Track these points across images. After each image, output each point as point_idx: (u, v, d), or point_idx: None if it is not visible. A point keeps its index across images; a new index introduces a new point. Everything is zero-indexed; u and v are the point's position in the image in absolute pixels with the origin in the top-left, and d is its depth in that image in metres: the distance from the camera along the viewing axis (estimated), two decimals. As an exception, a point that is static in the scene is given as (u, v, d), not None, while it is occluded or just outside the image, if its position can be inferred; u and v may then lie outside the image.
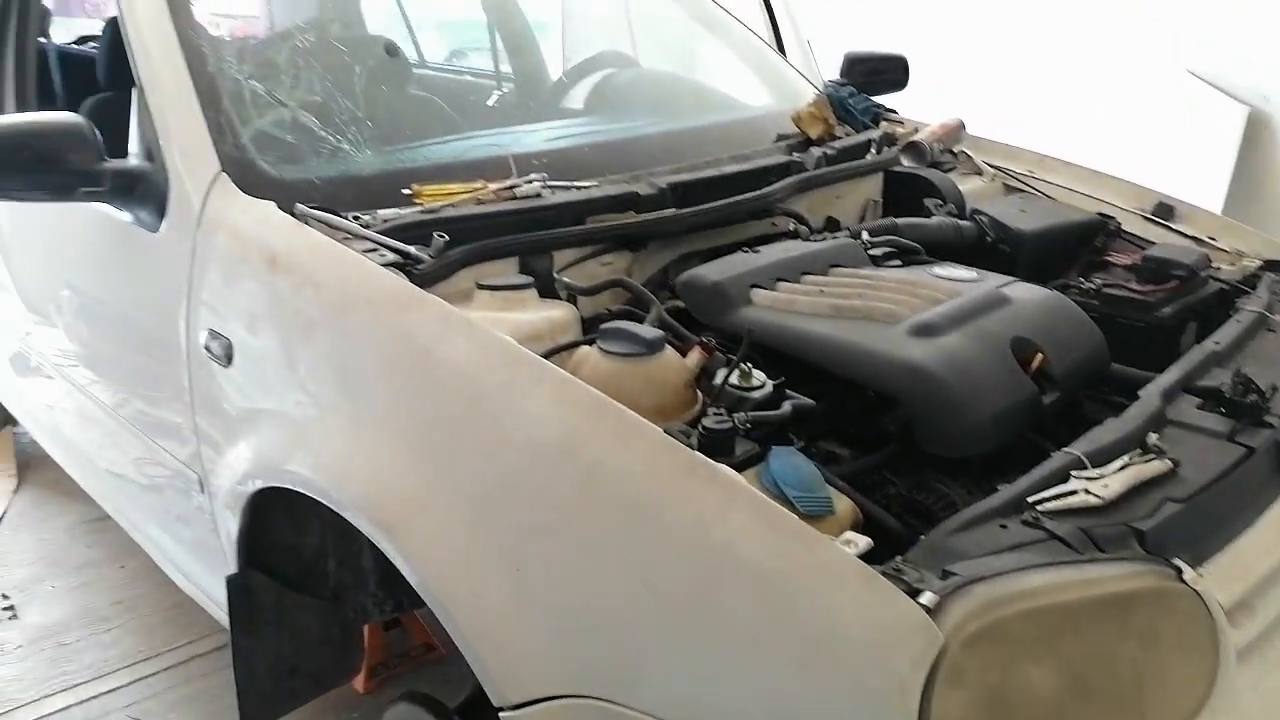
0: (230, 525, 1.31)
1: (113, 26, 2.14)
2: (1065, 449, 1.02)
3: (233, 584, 1.29)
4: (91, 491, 2.02)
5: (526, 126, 1.88)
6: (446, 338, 1.05)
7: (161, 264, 1.39)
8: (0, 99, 2.01)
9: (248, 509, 1.26)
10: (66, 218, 1.64)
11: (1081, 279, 1.57)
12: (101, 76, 2.12)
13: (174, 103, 1.41)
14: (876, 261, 1.50)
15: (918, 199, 1.80)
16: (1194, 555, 0.90)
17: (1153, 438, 1.03)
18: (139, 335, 1.54)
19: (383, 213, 1.31)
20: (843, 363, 1.18)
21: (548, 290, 1.32)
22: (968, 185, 1.90)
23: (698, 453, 0.92)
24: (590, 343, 1.16)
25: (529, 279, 1.28)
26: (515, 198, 1.39)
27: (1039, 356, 1.21)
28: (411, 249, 1.24)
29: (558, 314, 1.24)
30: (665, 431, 0.94)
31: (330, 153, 1.45)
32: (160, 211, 1.39)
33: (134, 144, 1.47)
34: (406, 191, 1.37)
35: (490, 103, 2.37)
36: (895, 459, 1.17)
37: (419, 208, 1.34)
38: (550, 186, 1.43)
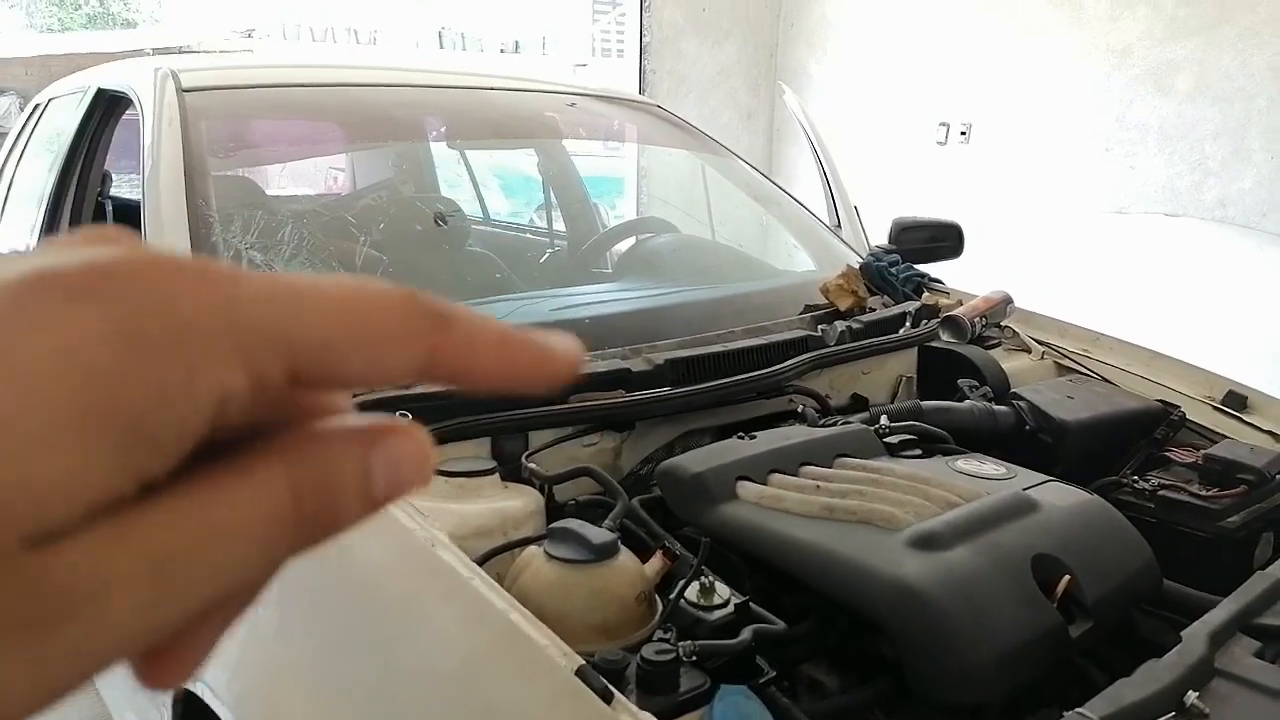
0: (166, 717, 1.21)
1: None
2: (1080, 710, 0.83)
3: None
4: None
5: (535, 294, 1.83)
6: (365, 535, 0.95)
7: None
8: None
9: (179, 706, 1.16)
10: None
11: (1135, 477, 1.39)
12: (145, 235, 2.21)
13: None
14: (893, 451, 1.35)
15: (954, 378, 1.66)
16: None
17: (1192, 697, 0.85)
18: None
19: (355, 386, 1.25)
20: (822, 577, 1.03)
21: (518, 476, 1.22)
22: (1013, 363, 1.75)
23: (620, 699, 0.78)
24: (542, 540, 1.05)
25: (492, 464, 1.19)
26: (495, 374, 1.32)
27: (1066, 579, 1.04)
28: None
29: (514, 504, 1.14)
30: (592, 664, 0.81)
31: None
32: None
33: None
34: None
35: (541, 261, 2.37)
36: (890, 694, 0.99)
37: (394, 382, 1.28)
38: (535, 362, 1.35)
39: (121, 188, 2.65)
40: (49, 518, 0.17)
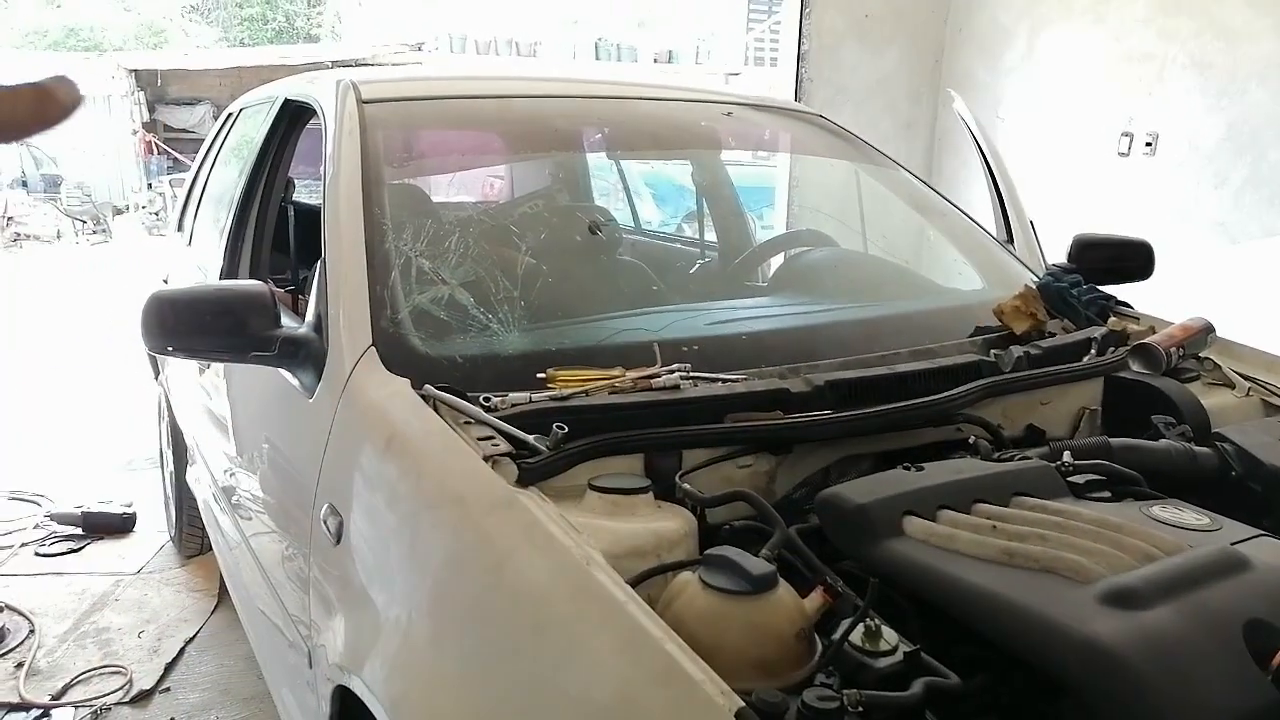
0: (324, 708, 1.25)
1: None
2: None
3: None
4: (249, 636, 2.07)
5: (690, 306, 1.80)
6: (523, 551, 0.94)
7: (309, 430, 1.41)
8: (238, 257, 2.23)
9: (336, 698, 1.19)
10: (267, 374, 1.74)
11: (1364, 537, 1.22)
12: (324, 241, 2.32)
13: (346, 275, 1.47)
14: (1078, 492, 1.24)
15: (1146, 414, 1.51)
16: None
17: None
18: (291, 498, 1.56)
19: (513, 396, 1.26)
20: (1002, 628, 0.94)
21: (670, 495, 1.19)
22: (1213, 400, 1.58)
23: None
24: (697, 565, 1.01)
25: (646, 482, 1.16)
26: (652, 388, 1.29)
27: (1285, 650, 0.91)
28: (530, 438, 1.17)
29: (669, 526, 1.10)
30: (749, 704, 0.77)
31: (478, 331, 1.44)
32: (318, 378, 1.43)
33: (310, 312, 1.54)
34: (541, 375, 1.31)
35: (692, 272, 2.35)
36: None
37: (550, 393, 1.27)
38: (692, 378, 1.32)
39: (299, 193, 2.81)
40: None
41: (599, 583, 0.88)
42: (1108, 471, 1.29)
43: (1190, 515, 1.14)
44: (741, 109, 2.34)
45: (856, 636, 0.91)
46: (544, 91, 2.17)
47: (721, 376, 1.33)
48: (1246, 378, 1.66)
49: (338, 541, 1.23)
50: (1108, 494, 1.24)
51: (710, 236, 2.72)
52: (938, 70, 5.46)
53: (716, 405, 1.28)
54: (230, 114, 3.03)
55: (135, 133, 15.49)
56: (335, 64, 13.85)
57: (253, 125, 2.59)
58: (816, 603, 0.98)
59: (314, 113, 2.09)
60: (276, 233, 2.34)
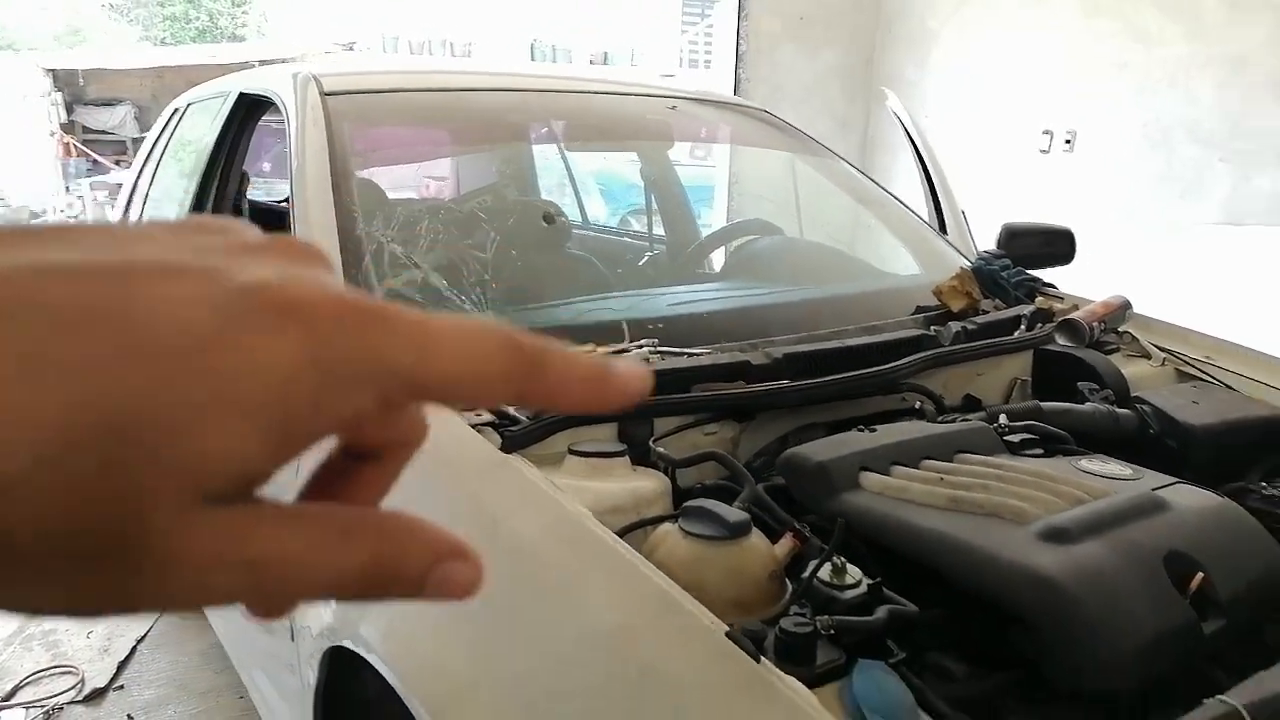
0: (309, 678, 1.29)
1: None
2: (1221, 697, 0.84)
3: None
4: (212, 620, 2.08)
5: (650, 290, 1.88)
6: (518, 509, 1.01)
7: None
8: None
9: (324, 664, 1.24)
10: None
11: (1264, 484, 1.36)
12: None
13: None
14: (1013, 449, 1.36)
15: (1071, 381, 1.65)
16: None
17: (1341, 694, 0.84)
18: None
19: (490, 371, 1.32)
20: (954, 565, 1.04)
21: (643, 459, 1.26)
22: (1132, 369, 1.72)
23: (767, 663, 0.82)
24: (675, 519, 1.09)
25: (622, 446, 1.24)
26: (622, 362, 1.37)
27: (1199, 576, 1.03)
28: (510, 409, 1.23)
29: (646, 485, 1.18)
30: (738, 630, 0.85)
31: (453, 313, 1.50)
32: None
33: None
34: (516, 352, 1.38)
35: (640, 264, 2.43)
36: (1024, 685, 1.00)
37: (525, 368, 1.34)
38: (659, 352, 1.40)
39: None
40: (213, 482, 0.22)
41: (592, 532, 0.95)
42: (1039, 431, 1.41)
43: (1114, 467, 1.26)
44: (686, 103, 2.43)
45: (825, 574, 1.00)
46: (504, 85, 2.22)
47: (687, 351, 1.42)
48: (1161, 349, 1.80)
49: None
50: (1040, 451, 1.36)
51: (658, 230, 2.81)
52: (870, 70, 5.65)
53: (684, 376, 1.36)
54: (178, 110, 3.00)
55: (53, 134, 14.98)
56: (263, 63, 13.59)
57: (203, 121, 2.59)
58: (786, 547, 1.06)
59: (268, 106, 2.11)
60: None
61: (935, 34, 5.32)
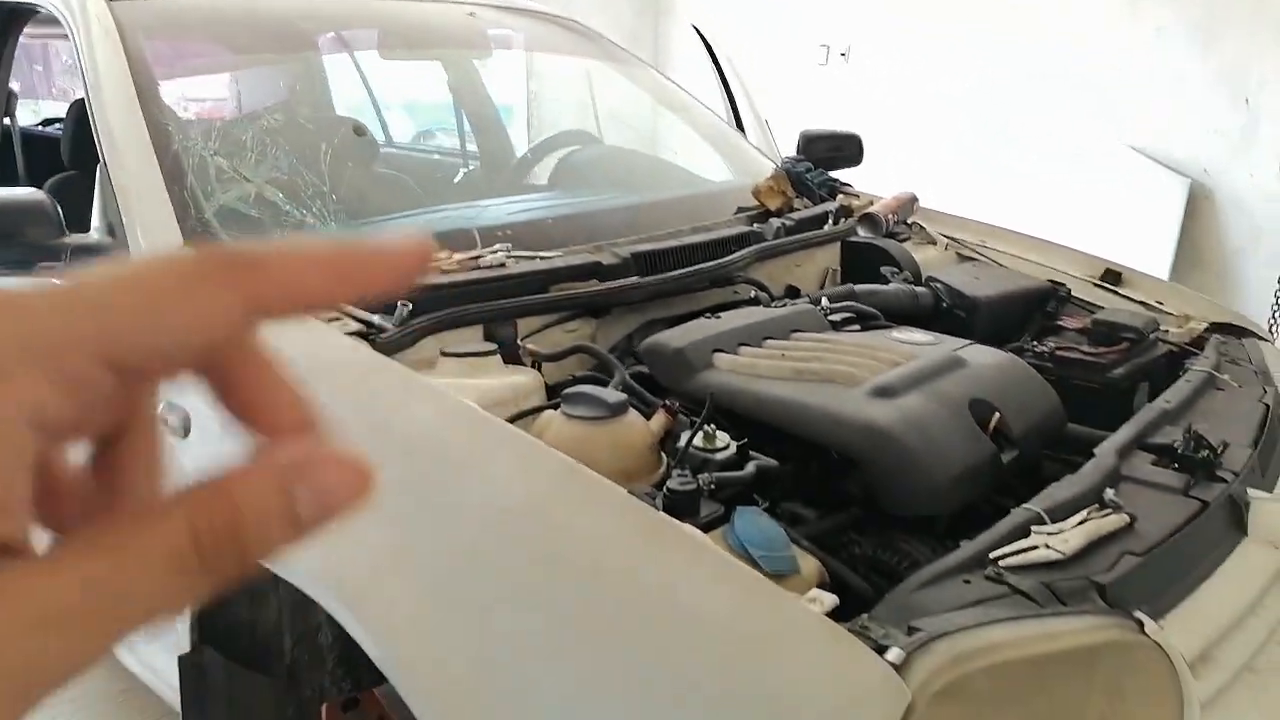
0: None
1: (78, 107, 2.16)
2: (1025, 505, 1.03)
3: (185, 663, 1.25)
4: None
5: (490, 201, 1.91)
6: (409, 403, 1.05)
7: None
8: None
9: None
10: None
11: (1035, 342, 1.61)
12: (66, 156, 2.14)
13: (137, 179, 1.42)
14: (836, 326, 1.53)
15: (875, 267, 1.85)
16: (1154, 608, 0.91)
17: (1109, 493, 1.05)
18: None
19: (347, 283, 1.32)
20: (804, 424, 1.19)
21: (512, 358, 1.32)
22: (922, 255, 1.95)
23: (663, 514, 0.92)
24: (554, 407, 1.17)
25: (493, 346, 1.29)
26: (479, 268, 1.41)
27: (996, 417, 1.23)
28: (375, 318, 1.25)
29: (522, 379, 1.25)
30: (630, 493, 0.95)
31: (295, 227, 1.47)
32: (121, 285, 1.39)
33: (96, 219, 1.47)
34: (370, 263, 1.38)
35: (456, 180, 2.42)
36: (859, 519, 1.17)
37: (382, 278, 1.35)
38: (514, 256, 1.45)
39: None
40: None
41: (485, 417, 1.01)
42: (855, 311, 1.59)
43: (919, 335, 1.46)
44: (483, 10, 2.40)
45: (698, 441, 1.12)
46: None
47: (540, 254, 1.47)
48: (945, 235, 2.05)
49: (186, 434, 1.25)
50: (858, 327, 1.54)
51: (472, 147, 2.78)
52: (657, -16, 5.71)
53: (541, 278, 1.42)
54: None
55: None
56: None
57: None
58: (660, 421, 1.17)
59: (33, 15, 1.91)
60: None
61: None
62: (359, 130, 2.06)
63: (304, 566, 1.05)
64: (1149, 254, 3.48)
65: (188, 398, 1.26)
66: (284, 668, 1.33)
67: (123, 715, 2.04)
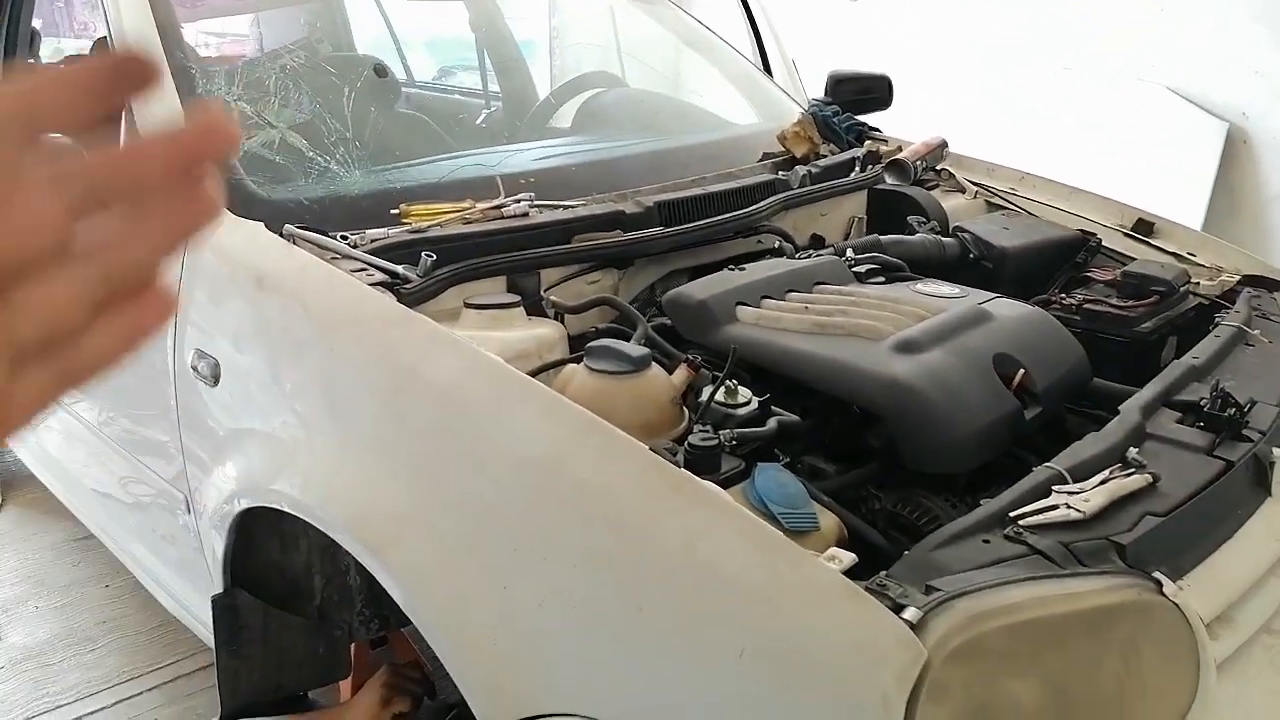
0: (216, 544, 1.31)
1: (101, 46, 2.15)
2: (1047, 464, 1.03)
3: (218, 603, 1.29)
4: (76, 510, 2.01)
5: (514, 146, 1.89)
6: (433, 356, 1.05)
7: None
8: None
9: (234, 528, 1.26)
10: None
11: (1063, 295, 1.59)
12: None
13: (160, 123, 1.42)
14: (861, 278, 1.51)
15: (901, 216, 1.82)
16: (1174, 568, 0.91)
17: (1132, 452, 1.04)
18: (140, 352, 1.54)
19: (371, 232, 1.32)
20: (826, 379, 1.19)
21: (535, 309, 1.32)
22: (950, 203, 1.92)
23: (684, 470, 0.93)
24: (577, 360, 1.17)
25: (516, 297, 1.29)
26: (502, 217, 1.40)
27: (1021, 372, 1.22)
28: (399, 268, 1.25)
29: (545, 332, 1.25)
30: (651, 449, 0.95)
31: (319, 173, 1.46)
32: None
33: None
34: (394, 211, 1.38)
35: (479, 122, 2.39)
36: (880, 474, 1.17)
37: (406, 227, 1.35)
38: (537, 206, 1.44)
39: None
40: None
41: (509, 370, 1.02)
42: (880, 262, 1.57)
43: (945, 288, 1.44)
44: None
45: (720, 396, 1.12)
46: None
47: (563, 204, 1.46)
48: (974, 183, 2.01)
49: (215, 383, 1.27)
50: (883, 279, 1.53)
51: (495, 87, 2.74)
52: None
53: (564, 228, 1.41)
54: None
55: None
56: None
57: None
58: (682, 375, 1.17)
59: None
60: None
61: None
62: (380, 71, 2.04)
63: (331, 512, 1.07)
64: (1183, 200, 3.40)
65: (217, 345, 1.28)
66: (314, 608, 1.37)
67: (157, 649, 2.12)
